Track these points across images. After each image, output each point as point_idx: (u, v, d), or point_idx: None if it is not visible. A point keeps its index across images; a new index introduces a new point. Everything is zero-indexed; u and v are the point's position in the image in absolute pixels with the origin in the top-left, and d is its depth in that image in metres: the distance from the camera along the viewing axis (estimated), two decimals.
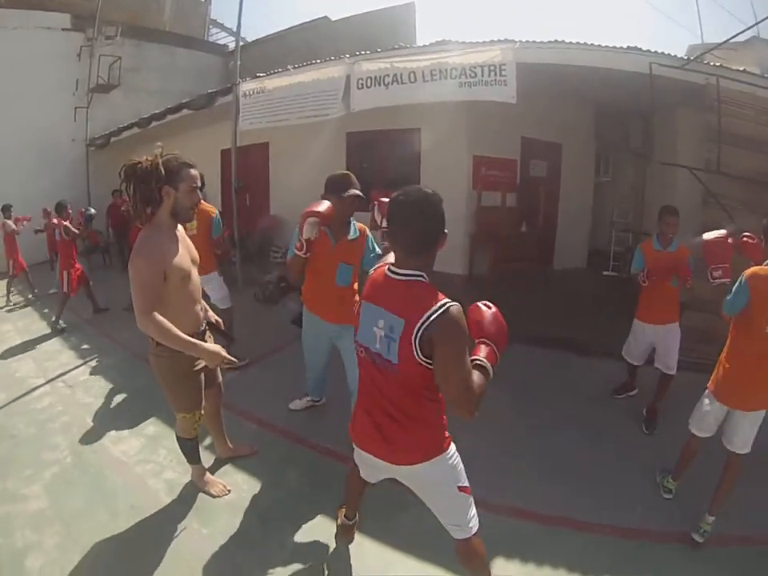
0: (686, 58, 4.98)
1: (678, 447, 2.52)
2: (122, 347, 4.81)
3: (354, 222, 2.77)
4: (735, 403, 2.22)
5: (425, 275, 1.44)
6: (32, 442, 3.05)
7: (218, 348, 2.08)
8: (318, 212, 2.42)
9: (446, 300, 1.37)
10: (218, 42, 15.63)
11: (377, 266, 1.61)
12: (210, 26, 16.04)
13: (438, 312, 1.34)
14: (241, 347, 3.92)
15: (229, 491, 2.50)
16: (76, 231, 5.60)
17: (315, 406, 3.46)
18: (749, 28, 4.50)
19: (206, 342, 2.18)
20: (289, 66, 5.89)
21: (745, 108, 4.48)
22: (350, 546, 2.14)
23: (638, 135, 8.07)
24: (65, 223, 5.56)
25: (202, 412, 2.31)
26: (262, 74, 6.21)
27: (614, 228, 8.62)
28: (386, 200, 2.47)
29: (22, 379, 4.04)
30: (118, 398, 3.68)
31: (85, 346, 4.84)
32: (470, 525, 1.61)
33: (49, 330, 5.39)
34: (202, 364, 2.19)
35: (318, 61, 5.79)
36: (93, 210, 5.81)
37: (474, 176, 6.91)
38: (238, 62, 6.16)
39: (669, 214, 3.20)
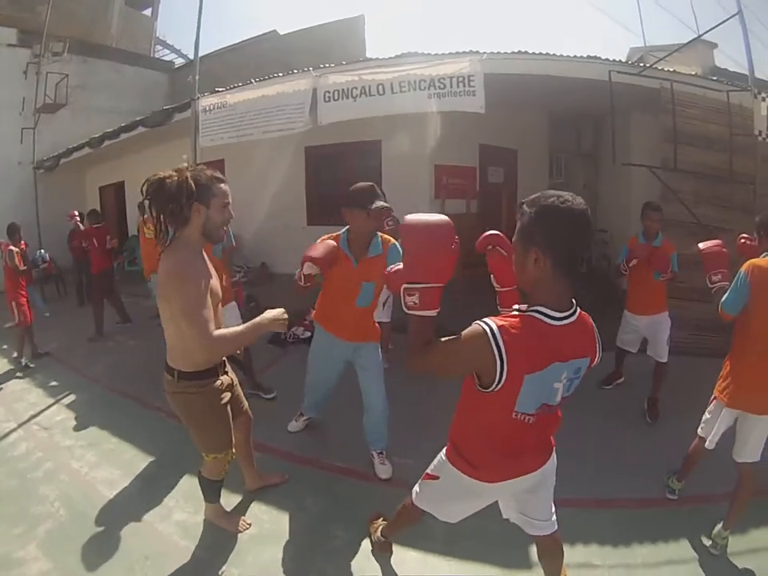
0: (633, 62, 5.31)
1: (674, 430, 2.71)
2: (93, 381, 4.52)
3: (379, 234, 2.67)
4: (748, 406, 2.13)
5: None
6: (16, 495, 2.77)
7: (274, 312, 1.90)
8: (314, 257, 2.39)
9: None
10: (162, 58, 15.19)
11: (510, 321, 1.28)
12: (156, 45, 15.57)
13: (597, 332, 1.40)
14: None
15: (249, 524, 2.39)
16: (22, 267, 5.08)
17: (312, 423, 3.38)
18: (699, 36, 4.83)
19: (226, 372, 2.09)
20: (251, 80, 5.77)
21: (695, 108, 4.83)
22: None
23: (588, 138, 8.50)
24: (13, 248, 5.01)
25: (233, 450, 2.16)
26: (221, 89, 6.06)
27: None
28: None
29: None
30: (101, 438, 3.42)
31: (53, 383, 4.49)
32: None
33: (11, 367, 4.97)
34: (228, 396, 2.07)
35: (281, 74, 5.72)
36: (46, 256, 5.14)
37: (436, 185, 7.05)
38: (197, 77, 5.98)
39: (652, 210, 3.39)
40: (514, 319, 1.27)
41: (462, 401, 1.50)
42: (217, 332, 1.70)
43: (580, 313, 1.34)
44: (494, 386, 1.27)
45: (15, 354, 5.05)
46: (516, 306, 1.36)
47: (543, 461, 1.54)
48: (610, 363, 3.90)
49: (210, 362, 1.92)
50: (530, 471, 1.51)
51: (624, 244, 3.63)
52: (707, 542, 2.21)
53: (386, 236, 2.70)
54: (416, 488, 1.79)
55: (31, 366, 4.96)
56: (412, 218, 1.32)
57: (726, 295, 2.17)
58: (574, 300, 1.33)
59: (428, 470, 1.71)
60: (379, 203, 2.46)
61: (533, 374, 1.25)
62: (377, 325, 2.88)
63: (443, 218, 1.32)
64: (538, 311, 1.27)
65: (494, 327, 1.23)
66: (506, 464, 1.47)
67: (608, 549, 2.22)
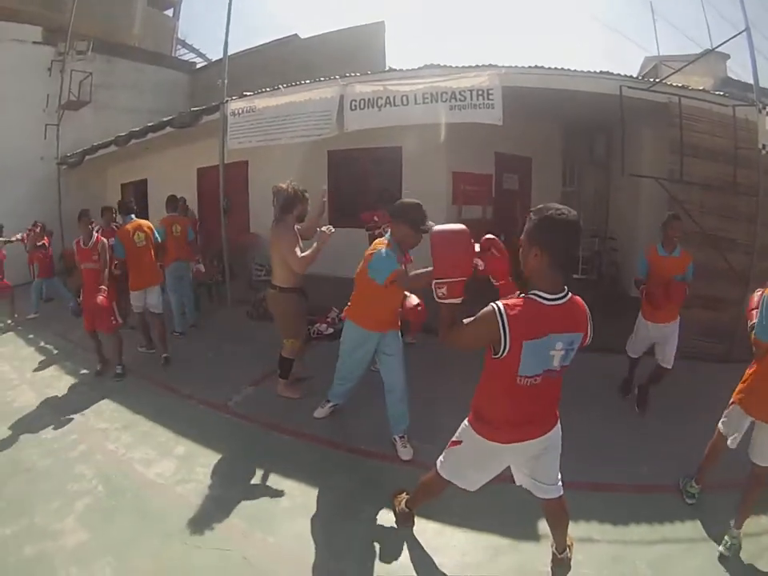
0: (645, 74, 5.47)
1: (676, 427, 2.93)
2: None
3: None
4: (763, 416, 2.18)
5: None
6: (51, 474, 2.91)
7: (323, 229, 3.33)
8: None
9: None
10: (182, 57, 15.50)
11: (513, 301, 1.62)
12: (178, 46, 15.89)
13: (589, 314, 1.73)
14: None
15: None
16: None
17: (336, 410, 3.57)
18: (710, 51, 4.98)
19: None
20: (279, 86, 6.00)
21: (702, 122, 4.99)
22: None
23: (600, 148, 8.62)
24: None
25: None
26: (249, 93, 6.29)
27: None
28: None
29: (21, 408, 3.84)
30: (134, 422, 3.59)
31: (83, 371, 4.67)
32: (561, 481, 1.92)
33: (41, 356, 5.16)
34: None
35: (307, 81, 5.96)
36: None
37: (454, 191, 7.24)
38: (226, 80, 6.21)
39: (675, 219, 3.47)
40: (515, 299, 1.64)
41: (483, 372, 1.80)
42: (303, 254, 3.38)
43: (572, 297, 1.67)
44: (501, 351, 1.60)
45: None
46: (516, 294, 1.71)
47: (548, 429, 1.81)
48: (614, 367, 4.05)
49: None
50: (536, 436, 1.78)
51: (642, 255, 3.62)
52: (720, 548, 2.21)
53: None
54: (440, 458, 2.04)
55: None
56: (437, 229, 1.74)
57: (761, 321, 2.13)
58: (566, 287, 1.66)
59: (453, 438, 1.98)
60: (429, 224, 2.56)
61: (530, 342, 1.58)
62: None
63: (461, 227, 1.72)
64: (534, 294, 1.62)
65: (500, 305, 1.60)
66: (515, 427, 1.76)
67: (607, 526, 2.42)
